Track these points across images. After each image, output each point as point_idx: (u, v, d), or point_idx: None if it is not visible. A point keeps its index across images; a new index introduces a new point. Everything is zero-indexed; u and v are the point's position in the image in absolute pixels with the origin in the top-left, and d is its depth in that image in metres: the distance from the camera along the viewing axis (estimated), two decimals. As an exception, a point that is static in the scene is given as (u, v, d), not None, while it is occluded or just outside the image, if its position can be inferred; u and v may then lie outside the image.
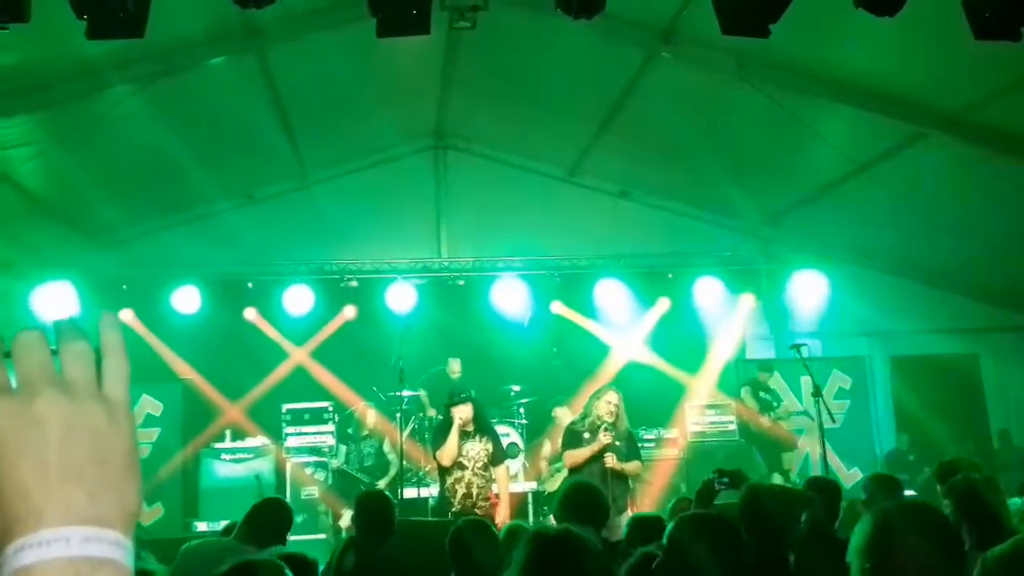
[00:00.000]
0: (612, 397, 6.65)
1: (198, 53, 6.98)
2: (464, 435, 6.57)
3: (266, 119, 8.42)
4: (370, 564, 3.98)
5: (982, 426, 10.34)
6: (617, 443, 6.46)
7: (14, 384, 0.65)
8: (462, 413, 6.52)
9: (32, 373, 0.65)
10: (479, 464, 6.53)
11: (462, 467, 6.50)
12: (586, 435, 6.51)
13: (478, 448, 6.56)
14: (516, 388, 10.13)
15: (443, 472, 6.61)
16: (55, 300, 9.07)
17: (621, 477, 6.47)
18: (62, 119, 7.02)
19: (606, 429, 6.40)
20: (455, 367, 10.01)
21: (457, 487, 6.47)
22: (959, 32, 4.73)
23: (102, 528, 0.62)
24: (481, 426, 6.67)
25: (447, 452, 6.46)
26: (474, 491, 6.46)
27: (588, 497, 4.28)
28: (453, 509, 6.35)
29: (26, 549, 0.60)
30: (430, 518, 7.51)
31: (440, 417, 7.58)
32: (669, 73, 7.60)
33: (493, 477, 6.61)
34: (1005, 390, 10.76)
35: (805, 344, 7.62)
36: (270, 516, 4.25)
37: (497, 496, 6.60)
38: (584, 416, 6.67)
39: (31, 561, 0.60)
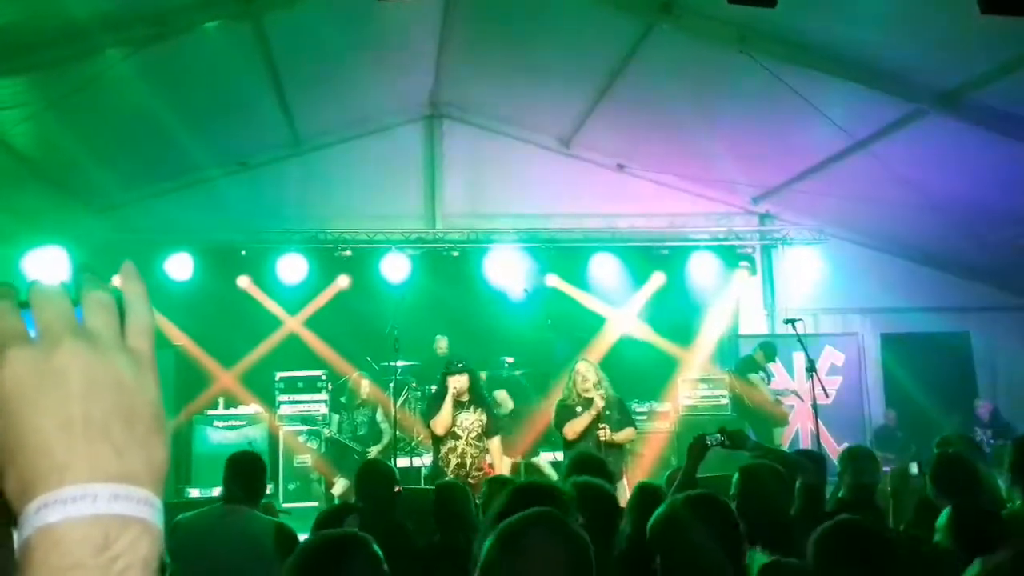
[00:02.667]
0: (584, 368, 6.70)
1: (192, 16, 6.87)
2: (459, 405, 6.58)
3: (260, 85, 8.32)
4: (377, 533, 4.02)
5: (971, 402, 10.41)
6: (608, 412, 6.53)
7: (33, 335, 0.61)
8: (457, 383, 6.53)
9: (52, 322, 0.61)
10: (473, 434, 6.56)
11: (456, 437, 6.53)
12: (577, 408, 6.56)
13: (472, 418, 6.59)
14: (510, 360, 10.15)
15: (436, 441, 6.64)
16: (47, 265, 9.00)
17: (615, 445, 6.55)
18: (54, 82, 6.91)
19: (597, 390, 6.47)
20: (442, 344, 10.03)
21: (451, 457, 6.50)
22: (965, 7, 4.69)
23: (130, 485, 0.58)
24: (476, 397, 6.69)
25: (440, 421, 6.48)
26: (467, 461, 6.49)
27: (596, 463, 4.34)
28: (447, 479, 6.39)
29: (50, 506, 0.56)
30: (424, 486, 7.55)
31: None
32: (668, 44, 7.52)
33: (487, 448, 6.64)
34: (994, 367, 10.85)
35: (800, 320, 7.63)
36: (249, 469, 4.24)
37: (491, 466, 6.63)
38: (568, 392, 6.71)
39: (56, 519, 0.56)
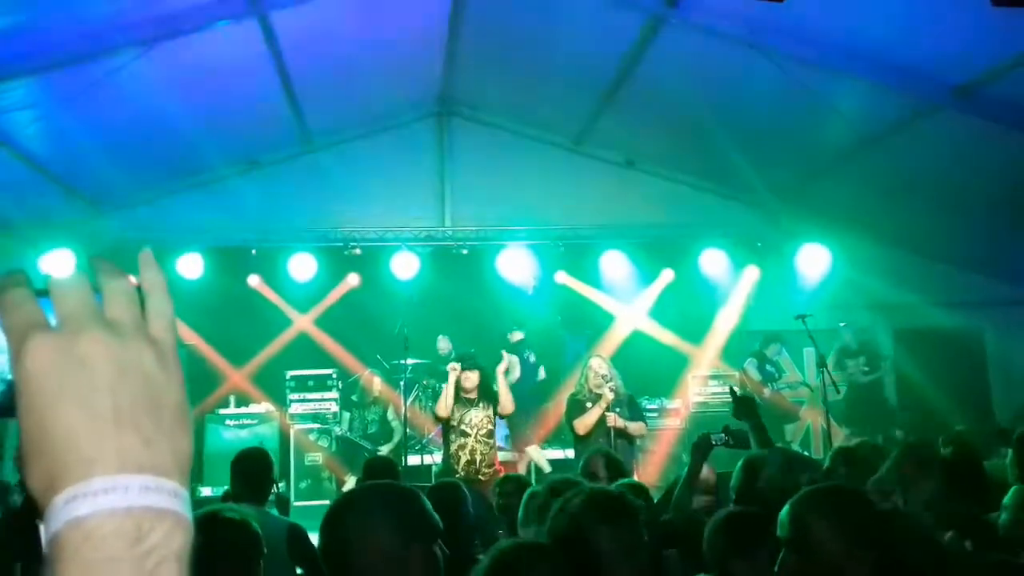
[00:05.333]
0: (596, 364, 6.77)
1: (202, 16, 6.89)
2: (467, 402, 6.62)
3: (270, 83, 8.34)
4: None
5: (984, 399, 10.34)
6: (617, 408, 6.55)
7: (53, 323, 0.59)
8: (467, 379, 6.60)
9: (75, 310, 0.59)
10: (482, 432, 6.59)
11: (465, 434, 6.56)
12: (588, 404, 6.60)
13: (481, 416, 6.62)
14: (519, 336, 10.17)
15: (447, 438, 6.69)
16: (60, 266, 9.04)
17: (626, 439, 6.56)
18: (66, 82, 6.94)
19: (607, 383, 6.50)
20: (443, 344, 10.07)
21: (460, 454, 6.53)
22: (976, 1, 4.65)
23: (160, 477, 0.57)
24: (485, 394, 6.72)
25: (441, 404, 6.61)
26: (477, 458, 6.53)
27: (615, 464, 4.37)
28: (457, 475, 6.42)
29: (79, 499, 0.54)
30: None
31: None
32: (678, 41, 7.50)
33: (496, 445, 6.68)
34: (1008, 364, 10.76)
35: (810, 315, 7.60)
36: (253, 467, 4.22)
37: (502, 464, 6.68)
38: (580, 387, 6.77)
39: (86, 512, 0.54)
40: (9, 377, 0.59)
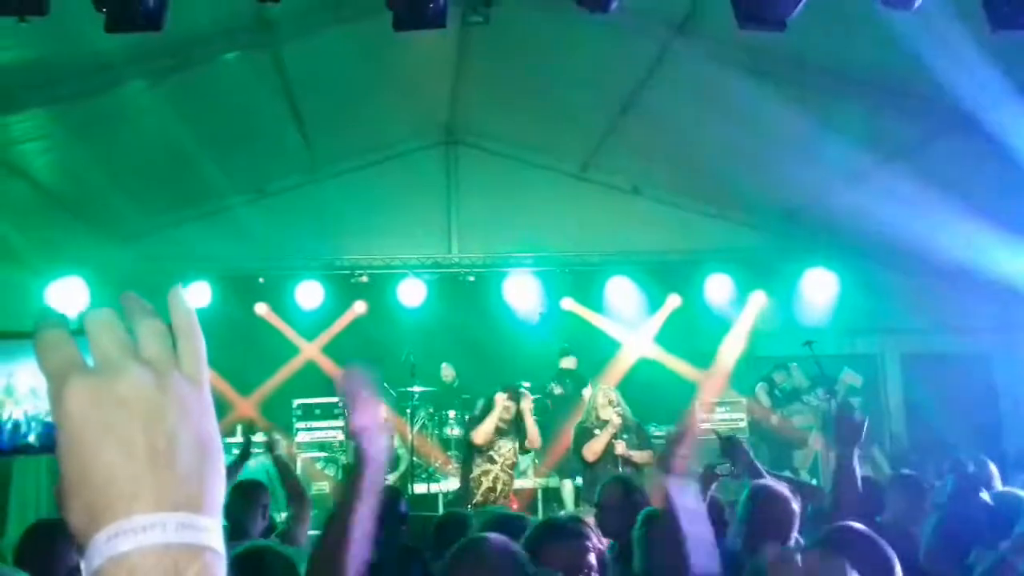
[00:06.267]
0: (603, 392, 6.83)
1: (212, 48, 6.98)
2: (501, 432, 6.69)
3: (278, 113, 8.42)
4: (386, 557, 4.00)
5: (994, 425, 10.27)
6: (625, 436, 6.57)
7: (90, 363, 0.61)
8: (507, 410, 6.66)
9: (112, 351, 0.62)
10: (508, 462, 6.66)
11: (492, 461, 6.60)
12: (596, 431, 6.61)
13: (510, 447, 6.70)
14: (526, 385, 10.11)
15: (469, 461, 6.71)
16: (69, 296, 9.09)
17: (633, 466, 6.55)
18: (76, 113, 7.03)
19: (614, 408, 6.52)
20: (447, 372, 10.05)
21: (483, 479, 6.56)
22: (979, 25, 4.68)
23: (195, 514, 0.59)
24: (517, 427, 6.79)
25: (482, 430, 6.61)
26: (499, 487, 6.59)
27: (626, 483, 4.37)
28: (474, 500, 6.42)
29: (121, 535, 0.57)
30: (441, 511, 7.54)
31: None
32: (683, 68, 7.56)
33: (515, 477, 6.78)
34: (1016, 389, 10.69)
35: (817, 341, 7.59)
36: (239, 504, 4.15)
37: (516, 496, 6.74)
38: (588, 415, 6.81)
39: (128, 548, 0.56)
40: (46, 419, 0.61)
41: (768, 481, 3.71)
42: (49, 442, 0.62)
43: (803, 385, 9.98)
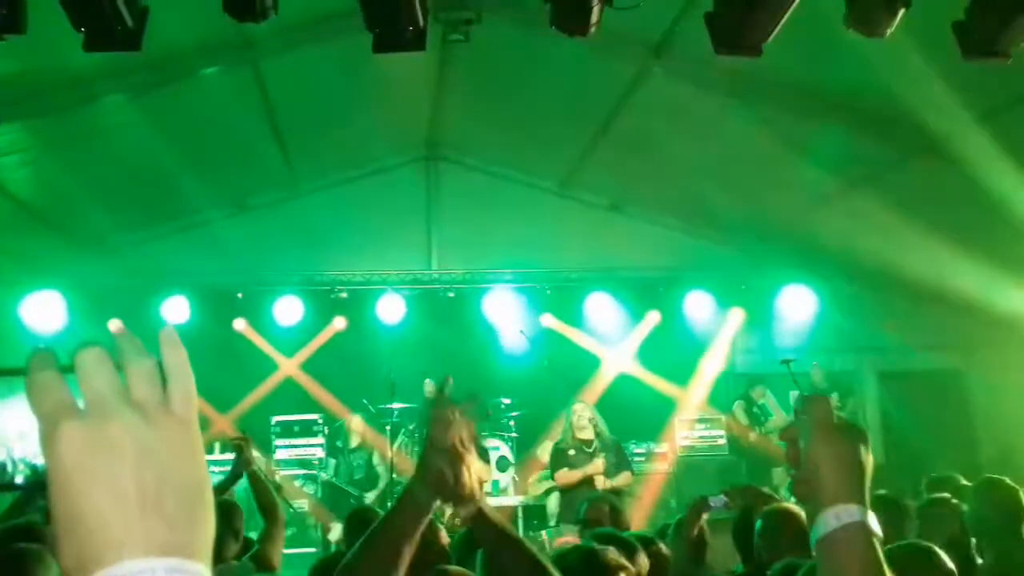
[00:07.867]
0: (580, 410, 6.75)
1: (192, 63, 6.97)
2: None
3: (258, 129, 8.41)
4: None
5: (969, 440, 10.38)
6: (605, 455, 6.55)
7: (80, 404, 0.62)
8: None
9: (102, 393, 0.61)
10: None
11: None
12: (571, 452, 6.57)
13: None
14: (506, 401, 10.11)
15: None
16: (44, 310, 9.01)
17: (613, 491, 6.54)
18: (54, 128, 6.99)
19: (596, 448, 6.48)
20: (430, 388, 10.01)
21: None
22: (951, 51, 4.77)
23: (185, 559, 0.59)
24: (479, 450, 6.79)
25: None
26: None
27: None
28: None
29: None
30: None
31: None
32: (661, 88, 7.65)
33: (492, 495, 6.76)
34: (992, 406, 10.81)
35: (795, 359, 7.65)
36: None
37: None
38: (565, 435, 6.76)
39: None
40: (36, 463, 0.61)
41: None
42: (35, 481, 0.62)
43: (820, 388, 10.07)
